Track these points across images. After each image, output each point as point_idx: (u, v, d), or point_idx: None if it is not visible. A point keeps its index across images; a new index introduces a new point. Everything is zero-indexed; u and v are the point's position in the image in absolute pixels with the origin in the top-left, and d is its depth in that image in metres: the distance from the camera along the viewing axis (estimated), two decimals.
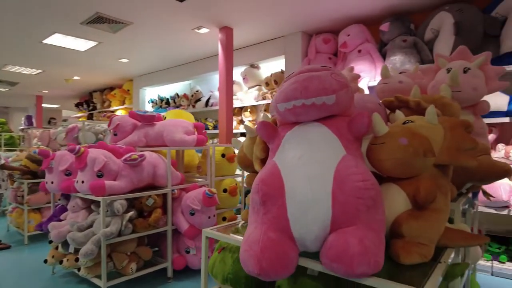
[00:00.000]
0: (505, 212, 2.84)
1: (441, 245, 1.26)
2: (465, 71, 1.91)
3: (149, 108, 6.81)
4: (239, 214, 3.72)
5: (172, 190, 2.87)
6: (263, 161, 1.59)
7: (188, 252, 2.85)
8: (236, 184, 3.55)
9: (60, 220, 2.81)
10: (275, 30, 4.29)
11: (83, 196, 2.54)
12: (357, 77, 2.38)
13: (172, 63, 5.81)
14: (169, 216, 2.81)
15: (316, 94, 1.25)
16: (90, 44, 4.71)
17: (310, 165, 1.20)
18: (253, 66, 4.94)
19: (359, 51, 3.81)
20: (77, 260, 2.39)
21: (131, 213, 2.48)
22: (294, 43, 4.34)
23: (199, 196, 2.83)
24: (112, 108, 7.54)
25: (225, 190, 3.42)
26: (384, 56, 3.76)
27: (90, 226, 2.51)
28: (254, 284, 1.50)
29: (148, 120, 3.16)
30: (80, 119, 8.17)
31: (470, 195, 1.94)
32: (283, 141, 1.36)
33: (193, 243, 2.84)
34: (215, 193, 2.82)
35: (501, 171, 1.55)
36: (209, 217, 2.87)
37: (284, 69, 4.48)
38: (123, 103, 7.38)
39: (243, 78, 4.97)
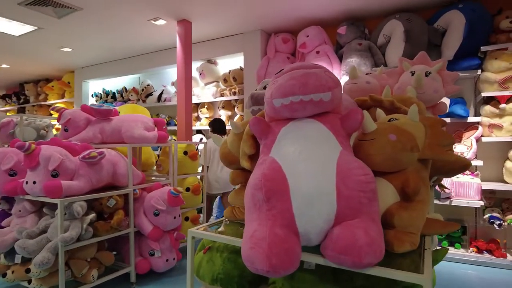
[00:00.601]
0: (447, 202, 3.19)
1: (422, 234, 1.37)
2: (427, 74, 2.09)
3: (92, 102, 6.30)
4: (201, 213, 3.64)
5: (134, 190, 2.70)
6: (250, 158, 1.58)
7: (152, 254, 2.70)
8: (199, 183, 3.46)
9: (2, 227, 2.48)
10: (234, 26, 4.26)
11: (34, 198, 2.26)
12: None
13: (121, 54, 5.45)
14: (131, 217, 2.64)
15: (314, 91, 1.28)
16: (28, 28, 4.20)
17: (312, 160, 1.22)
18: (210, 61, 4.85)
19: (317, 52, 3.96)
20: (27, 271, 2.13)
21: (91, 215, 2.28)
22: (253, 41, 4.35)
23: (164, 195, 2.71)
24: (49, 102, 6.83)
25: (187, 189, 3.31)
26: (340, 58, 3.95)
27: (43, 231, 2.25)
28: (247, 283, 1.48)
29: (104, 114, 2.93)
30: (8, 113, 7.24)
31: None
32: (278, 137, 1.37)
33: (158, 245, 2.71)
34: (181, 192, 2.72)
35: (463, 165, 1.73)
36: (174, 217, 2.76)
37: (243, 66, 4.47)
38: (63, 97, 6.72)
39: (200, 74, 4.86)
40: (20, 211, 2.41)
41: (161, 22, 3.97)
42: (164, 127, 3.19)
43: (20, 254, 2.22)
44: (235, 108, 4.61)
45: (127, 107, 3.69)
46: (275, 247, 1.09)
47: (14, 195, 2.35)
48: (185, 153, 3.33)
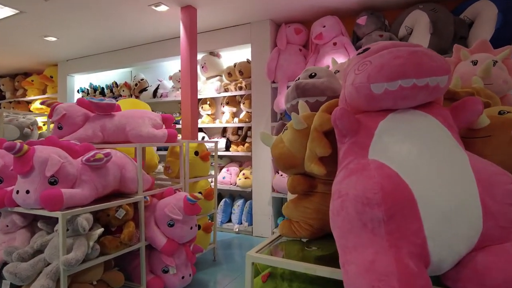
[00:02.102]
0: None
1: None
2: (494, 64, 1.83)
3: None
4: (212, 219, 3.28)
5: (144, 197, 2.32)
6: (321, 160, 1.26)
7: (166, 271, 2.33)
8: (211, 187, 3.10)
9: None
10: (241, 15, 3.91)
11: (27, 211, 1.85)
12: None
13: (112, 46, 4.98)
14: (142, 229, 2.26)
15: (430, 73, 0.97)
16: (6, 12, 3.68)
17: (439, 164, 0.91)
18: (213, 54, 4.48)
19: (334, 43, 3.68)
20: None
21: (99, 230, 1.89)
22: (262, 32, 4.02)
23: (179, 203, 2.34)
24: (28, 98, 6.22)
25: (199, 194, 2.93)
26: (358, 50, 3.68)
27: (39, 251, 1.84)
28: None
29: (106, 109, 2.53)
30: None
31: None
32: (376, 133, 1.05)
33: (173, 261, 2.33)
34: (200, 199, 2.36)
35: None
36: (191, 228, 2.39)
37: (250, 59, 4.13)
38: (44, 92, 6.14)
39: (202, 67, 4.47)
40: (7, 226, 1.98)
41: (163, 8, 3.57)
42: (173, 123, 2.82)
43: (9, 281, 1.80)
44: (241, 104, 4.26)
45: (126, 102, 3.27)
46: (409, 285, 0.78)
47: (1, 207, 1.93)
48: (196, 153, 2.96)
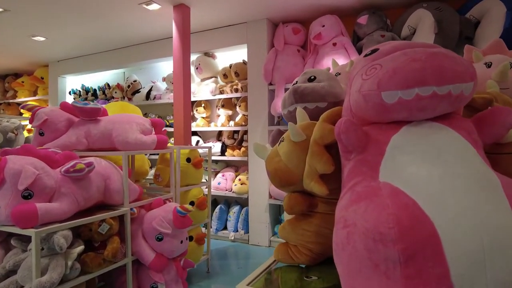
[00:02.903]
0: None
1: None
2: (510, 66, 1.68)
3: (70, 100, 5.60)
4: (205, 227, 3.12)
5: (131, 209, 2.16)
6: (322, 177, 1.11)
7: None
8: (204, 195, 2.93)
9: None
10: (237, 14, 3.75)
11: None
12: None
13: (104, 46, 4.80)
14: (128, 244, 2.09)
15: (453, 80, 0.82)
16: None
17: (468, 192, 0.75)
18: (208, 54, 4.32)
19: (334, 44, 3.52)
20: None
21: (79, 248, 1.72)
22: (258, 31, 3.86)
23: (168, 215, 2.18)
24: (18, 100, 6.04)
25: (192, 203, 2.78)
26: (359, 50, 3.53)
27: (13, 272, 1.67)
28: None
29: (91, 114, 2.36)
30: None
31: None
32: (388, 149, 0.89)
33: (162, 277, 2.17)
34: (190, 211, 2.20)
35: None
36: (181, 242, 2.23)
37: (246, 60, 3.97)
38: (35, 94, 5.96)
39: (196, 68, 4.31)
40: None
41: (154, 6, 3.41)
42: (163, 129, 2.65)
43: None
44: (237, 107, 4.10)
45: (115, 106, 3.10)
46: None
47: None
48: (188, 160, 2.79)
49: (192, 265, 2.36)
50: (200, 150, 3.27)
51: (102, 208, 2.07)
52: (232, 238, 3.91)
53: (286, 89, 3.66)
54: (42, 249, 1.62)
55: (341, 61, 3.48)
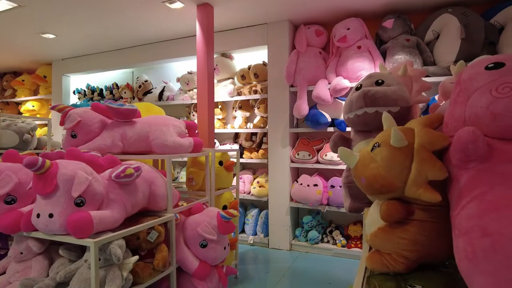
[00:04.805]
0: None
1: None
2: None
3: (74, 100, 5.41)
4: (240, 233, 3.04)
5: (175, 214, 2.07)
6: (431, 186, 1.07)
7: None
8: (235, 199, 2.86)
9: None
10: (258, 15, 3.70)
11: (50, 238, 1.57)
12: (424, 73, 1.97)
13: (114, 45, 4.66)
14: (173, 252, 2.00)
15: None
16: (3, 5, 3.34)
17: None
18: (225, 55, 4.24)
19: (359, 47, 3.50)
20: None
21: (134, 258, 1.63)
22: (279, 33, 3.81)
23: (213, 221, 2.11)
24: (18, 99, 5.80)
25: (224, 207, 2.70)
26: (382, 54, 3.53)
27: (63, 284, 1.56)
28: None
29: (126, 115, 2.26)
30: None
31: None
32: None
33: (205, 285, 2.09)
34: (235, 215, 2.13)
35: None
36: (224, 248, 2.16)
37: (266, 61, 3.91)
38: (36, 93, 5.74)
39: (213, 69, 4.22)
40: (21, 253, 1.70)
41: (177, 5, 3.31)
42: (196, 131, 2.57)
43: None
44: (255, 108, 4.04)
45: (139, 107, 2.99)
46: None
47: (15, 232, 1.65)
48: (220, 163, 2.72)
49: (235, 272, 2.29)
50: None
51: (143, 215, 1.98)
52: (251, 241, 3.84)
53: (309, 91, 3.62)
54: (99, 259, 1.52)
55: (366, 64, 3.47)
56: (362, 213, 1.79)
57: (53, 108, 2.31)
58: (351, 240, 3.54)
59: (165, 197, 2.02)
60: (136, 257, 1.64)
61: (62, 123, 2.26)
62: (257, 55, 4.12)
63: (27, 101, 5.73)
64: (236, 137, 4.32)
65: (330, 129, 3.54)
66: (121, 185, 1.76)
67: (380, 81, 1.66)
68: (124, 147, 2.26)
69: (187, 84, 4.37)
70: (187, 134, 2.48)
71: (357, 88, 1.75)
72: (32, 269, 1.68)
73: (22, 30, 4.05)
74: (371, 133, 1.71)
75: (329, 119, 3.46)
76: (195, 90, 4.33)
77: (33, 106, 5.61)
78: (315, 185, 3.49)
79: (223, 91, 4.12)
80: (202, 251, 2.08)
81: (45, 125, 3.76)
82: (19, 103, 6.00)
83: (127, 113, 2.24)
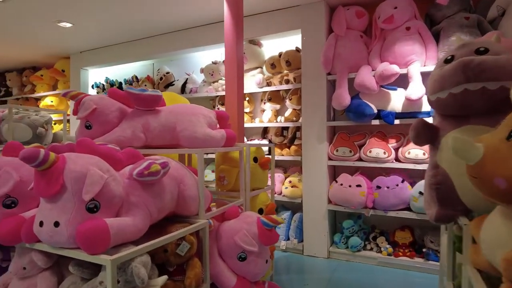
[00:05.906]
0: None
1: None
2: None
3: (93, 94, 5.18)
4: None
5: (208, 221, 1.72)
6: None
7: None
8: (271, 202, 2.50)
9: None
10: None
11: (53, 250, 1.25)
12: None
13: (133, 35, 4.38)
14: (206, 267, 1.65)
15: None
16: None
17: None
18: (253, 42, 3.87)
19: (407, 28, 3.06)
20: None
21: (162, 279, 1.28)
22: (314, 15, 3.41)
23: (252, 228, 1.74)
24: (37, 94, 5.63)
25: (260, 211, 2.34)
26: (434, 36, 3.07)
27: None
28: None
29: (149, 103, 1.92)
30: None
31: None
32: None
33: None
34: (281, 222, 1.76)
35: None
36: (266, 261, 1.79)
37: (300, 47, 3.52)
38: (54, 88, 5.55)
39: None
40: (24, 268, 1.38)
41: None
42: (229, 122, 2.22)
43: None
44: (287, 100, 3.66)
45: (164, 97, 2.66)
46: None
47: (14, 243, 1.33)
48: (255, 160, 2.35)
49: None
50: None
51: (170, 221, 1.63)
52: (284, 247, 3.47)
53: (350, 80, 3.21)
54: (118, 282, 1.18)
55: (416, 47, 3.03)
56: (452, 223, 1.38)
57: (65, 95, 2.00)
58: (398, 248, 3.11)
59: (197, 199, 1.67)
60: (165, 278, 1.29)
61: (75, 112, 1.94)
62: (288, 41, 3.74)
63: (46, 96, 5.55)
64: (265, 132, 3.95)
65: (375, 121, 3.11)
66: (145, 185, 1.41)
67: (482, 49, 1.24)
68: (147, 140, 1.92)
69: (212, 75, 4.03)
70: (218, 126, 2.13)
71: (447, 61, 1.34)
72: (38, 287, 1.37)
73: (38, 19, 3.80)
74: (468, 119, 1.30)
75: (375, 110, 3.04)
76: (220, 82, 3.99)
77: (52, 101, 5.42)
78: (358, 185, 3.08)
79: (250, 82, 3.76)
80: (241, 265, 1.71)
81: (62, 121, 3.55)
82: (38, 99, 5.84)
83: (150, 100, 1.90)
